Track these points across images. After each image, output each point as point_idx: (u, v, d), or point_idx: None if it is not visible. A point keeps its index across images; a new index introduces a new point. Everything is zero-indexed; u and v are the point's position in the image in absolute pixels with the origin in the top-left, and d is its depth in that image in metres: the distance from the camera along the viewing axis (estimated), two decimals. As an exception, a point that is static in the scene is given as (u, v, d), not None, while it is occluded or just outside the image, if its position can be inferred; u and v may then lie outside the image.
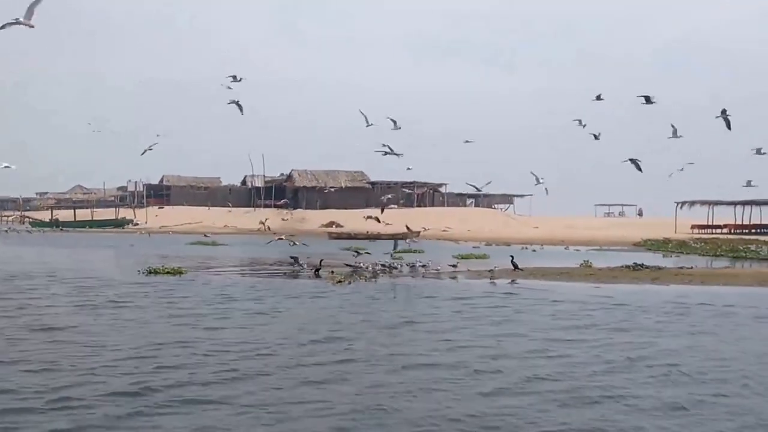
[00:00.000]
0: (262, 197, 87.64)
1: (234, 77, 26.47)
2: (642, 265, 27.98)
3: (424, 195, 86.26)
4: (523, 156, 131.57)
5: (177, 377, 9.15)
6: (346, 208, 78.75)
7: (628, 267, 27.61)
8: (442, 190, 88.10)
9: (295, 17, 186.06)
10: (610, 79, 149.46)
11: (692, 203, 69.71)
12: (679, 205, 70.04)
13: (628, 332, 13.22)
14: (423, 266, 25.13)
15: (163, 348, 11.03)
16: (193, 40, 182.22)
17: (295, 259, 25.89)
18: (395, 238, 56.78)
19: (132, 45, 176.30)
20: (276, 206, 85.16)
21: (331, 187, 75.82)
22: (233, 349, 10.98)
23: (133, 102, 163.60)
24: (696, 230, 66.14)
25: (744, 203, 68.71)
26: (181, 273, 23.67)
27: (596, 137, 34.41)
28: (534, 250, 41.78)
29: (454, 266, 25.39)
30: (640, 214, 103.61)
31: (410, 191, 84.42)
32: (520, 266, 25.54)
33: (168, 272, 23.52)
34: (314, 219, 74.19)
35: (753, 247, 40.97)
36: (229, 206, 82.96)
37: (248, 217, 77.60)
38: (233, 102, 26.47)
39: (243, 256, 35.33)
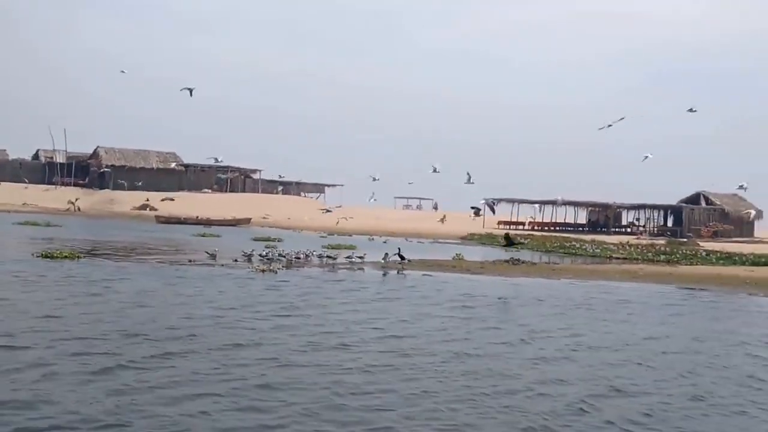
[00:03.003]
0: (59, 174, 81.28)
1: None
2: (519, 260, 29.74)
3: (236, 180, 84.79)
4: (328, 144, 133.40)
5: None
6: (157, 190, 75.41)
7: (506, 261, 29.23)
8: (255, 176, 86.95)
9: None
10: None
11: (498, 201, 74.07)
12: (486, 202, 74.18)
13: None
14: (331, 258, 24.97)
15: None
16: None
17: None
18: (225, 224, 55.72)
19: None
20: (77, 185, 79.78)
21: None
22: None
23: None
24: (502, 226, 70.46)
25: (543, 203, 74.18)
26: (78, 257, 22.04)
27: None
28: (385, 242, 42.53)
29: (361, 257, 25.43)
30: (436, 207, 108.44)
31: (224, 176, 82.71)
32: (406, 258, 26.12)
33: (66, 256, 21.79)
34: (124, 200, 70.34)
35: (577, 245, 44.58)
36: (25, 182, 76.50)
37: (50, 196, 72.05)
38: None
39: (111, 240, 32.95)
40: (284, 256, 24.53)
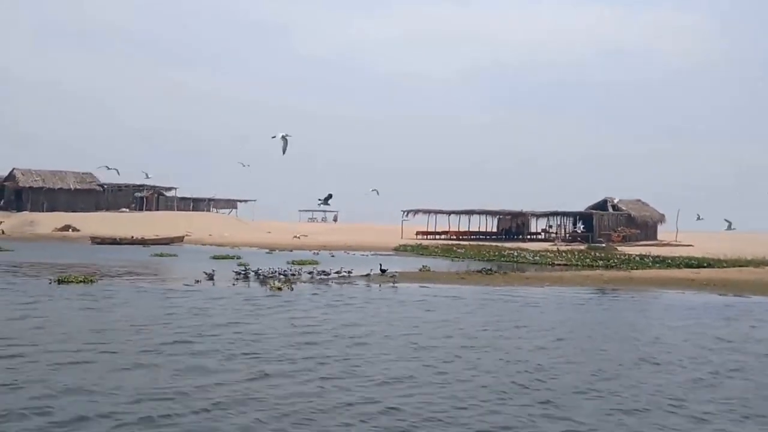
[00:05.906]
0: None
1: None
2: (491, 270, 31.51)
3: (151, 198, 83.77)
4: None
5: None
6: (75, 211, 74.16)
7: (479, 272, 30.86)
8: (170, 194, 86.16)
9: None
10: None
11: (416, 212, 76.08)
12: (405, 213, 76.04)
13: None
14: (326, 274, 26.05)
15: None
16: None
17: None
18: (161, 243, 55.33)
19: None
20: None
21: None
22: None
23: None
24: (420, 236, 72.38)
25: (459, 212, 76.76)
26: (92, 281, 22.48)
27: None
28: (332, 255, 43.50)
29: (349, 272, 26.46)
30: (335, 219, 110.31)
31: (140, 194, 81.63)
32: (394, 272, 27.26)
33: (81, 281, 22.19)
34: (45, 222, 68.56)
35: (515, 253, 46.92)
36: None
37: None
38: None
39: (79, 263, 32.54)
40: (283, 274, 25.29)
